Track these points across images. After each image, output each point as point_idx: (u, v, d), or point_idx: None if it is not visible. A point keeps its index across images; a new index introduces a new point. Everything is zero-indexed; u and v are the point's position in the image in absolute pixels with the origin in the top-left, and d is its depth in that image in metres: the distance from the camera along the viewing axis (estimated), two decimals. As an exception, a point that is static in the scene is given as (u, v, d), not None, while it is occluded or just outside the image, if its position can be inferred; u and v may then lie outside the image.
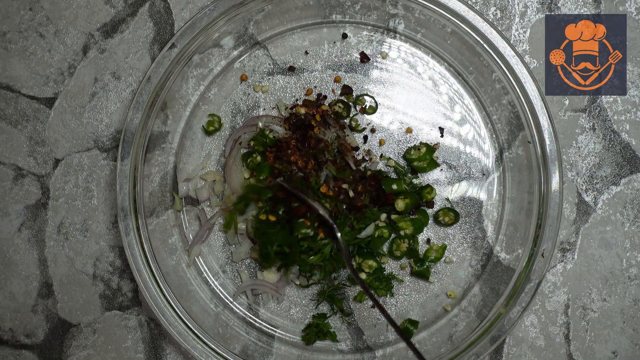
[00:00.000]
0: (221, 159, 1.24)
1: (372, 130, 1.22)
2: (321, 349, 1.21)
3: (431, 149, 1.19)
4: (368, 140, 1.21)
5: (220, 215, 1.22)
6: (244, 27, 1.20)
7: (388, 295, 1.20)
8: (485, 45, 1.13)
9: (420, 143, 1.20)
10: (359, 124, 1.21)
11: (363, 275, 1.18)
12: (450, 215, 1.19)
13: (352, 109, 1.22)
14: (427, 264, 1.19)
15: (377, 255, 1.19)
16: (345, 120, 1.22)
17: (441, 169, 1.21)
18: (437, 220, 1.20)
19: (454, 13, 1.12)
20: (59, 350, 1.25)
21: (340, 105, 1.20)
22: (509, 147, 1.20)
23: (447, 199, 1.21)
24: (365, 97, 1.22)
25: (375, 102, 1.21)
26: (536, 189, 1.13)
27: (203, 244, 1.23)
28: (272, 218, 1.13)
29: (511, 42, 1.21)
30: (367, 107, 1.21)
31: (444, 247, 1.20)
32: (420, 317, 1.21)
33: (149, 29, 1.25)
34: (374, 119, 1.22)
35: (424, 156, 1.19)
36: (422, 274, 1.20)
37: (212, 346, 1.14)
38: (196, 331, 1.14)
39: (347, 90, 1.21)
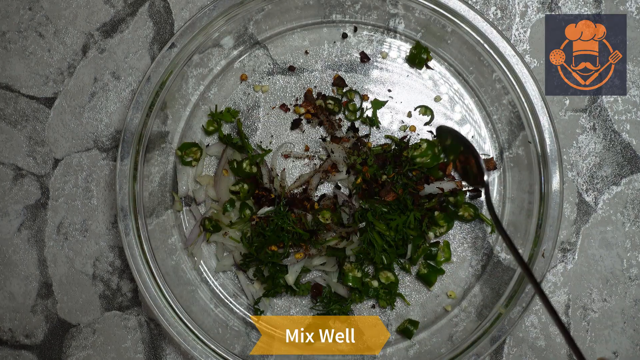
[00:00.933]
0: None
1: (371, 124, 1.21)
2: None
3: (432, 143, 1.19)
4: (362, 134, 1.21)
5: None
6: (244, 27, 1.20)
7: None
8: (485, 45, 1.12)
9: (421, 140, 1.20)
10: (355, 113, 1.21)
11: (375, 283, 1.19)
12: (470, 210, 1.19)
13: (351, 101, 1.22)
14: (438, 268, 1.20)
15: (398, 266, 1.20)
16: (340, 116, 1.22)
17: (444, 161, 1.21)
18: (457, 216, 1.20)
19: (454, 13, 1.12)
20: (59, 350, 1.25)
21: (331, 102, 1.20)
22: (509, 147, 1.20)
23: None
24: (356, 97, 1.22)
25: (361, 100, 1.21)
26: (536, 189, 1.13)
27: (203, 244, 1.23)
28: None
29: (511, 41, 1.21)
30: (349, 104, 1.21)
31: (447, 244, 1.20)
32: (420, 317, 1.21)
33: (149, 29, 1.25)
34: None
35: (425, 152, 1.18)
36: (428, 279, 1.19)
37: (212, 346, 1.14)
38: (196, 331, 1.14)
39: (340, 82, 1.21)
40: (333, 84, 1.22)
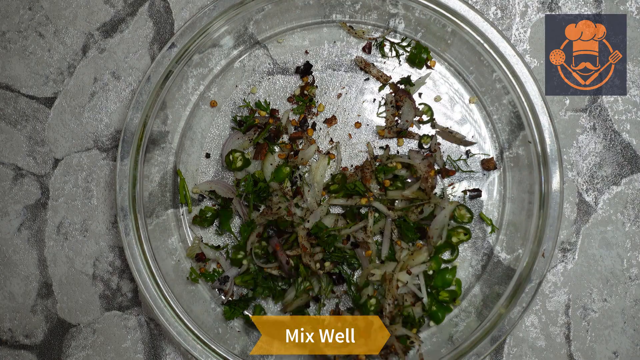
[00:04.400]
0: (220, 159, 1.23)
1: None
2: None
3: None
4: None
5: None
6: (244, 27, 1.20)
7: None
8: (485, 45, 1.12)
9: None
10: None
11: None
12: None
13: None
14: (446, 305, 1.19)
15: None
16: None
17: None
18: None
19: (455, 13, 1.12)
20: (59, 350, 1.25)
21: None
22: (510, 146, 1.19)
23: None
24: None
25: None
26: (537, 188, 1.13)
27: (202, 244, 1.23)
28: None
29: (511, 41, 1.21)
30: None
31: (458, 281, 1.21)
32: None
33: (149, 29, 1.25)
34: (375, 119, 1.22)
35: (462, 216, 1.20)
36: (435, 316, 1.19)
37: (212, 346, 1.14)
38: (196, 331, 1.14)
39: (306, 67, 1.22)
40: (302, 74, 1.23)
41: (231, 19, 1.15)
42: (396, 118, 1.20)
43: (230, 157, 1.20)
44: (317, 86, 1.22)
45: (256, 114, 1.21)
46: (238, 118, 1.22)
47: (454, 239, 1.19)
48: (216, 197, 1.21)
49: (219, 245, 1.22)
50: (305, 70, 1.22)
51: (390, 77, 1.21)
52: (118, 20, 1.25)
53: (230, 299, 1.21)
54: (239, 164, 1.20)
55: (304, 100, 1.21)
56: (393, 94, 1.20)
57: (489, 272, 1.19)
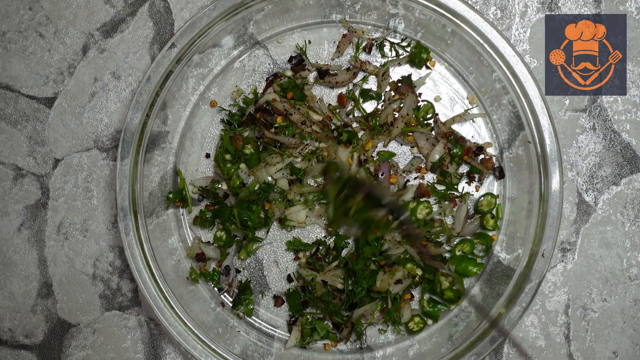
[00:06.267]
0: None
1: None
2: (321, 349, 1.21)
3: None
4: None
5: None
6: (244, 27, 1.20)
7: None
8: (485, 45, 1.12)
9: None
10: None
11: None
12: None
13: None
14: (442, 303, 1.19)
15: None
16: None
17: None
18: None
19: (454, 13, 1.12)
20: (58, 350, 1.25)
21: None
22: (509, 147, 1.20)
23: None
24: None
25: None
26: (536, 188, 1.13)
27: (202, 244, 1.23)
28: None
29: (511, 41, 1.21)
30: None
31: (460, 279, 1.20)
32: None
33: (149, 29, 1.25)
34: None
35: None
36: (433, 315, 1.19)
37: (212, 346, 1.14)
38: (196, 331, 1.14)
39: (298, 62, 1.21)
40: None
41: (231, 19, 1.15)
42: (395, 114, 1.20)
43: (219, 155, 1.20)
44: (309, 69, 1.21)
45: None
46: (226, 119, 1.21)
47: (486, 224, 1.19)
48: (208, 193, 1.21)
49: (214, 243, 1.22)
50: (297, 63, 1.21)
51: (390, 75, 1.21)
52: (118, 20, 1.25)
53: (235, 290, 1.21)
54: (228, 162, 1.20)
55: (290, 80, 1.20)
56: (392, 91, 1.20)
57: (489, 272, 1.20)
